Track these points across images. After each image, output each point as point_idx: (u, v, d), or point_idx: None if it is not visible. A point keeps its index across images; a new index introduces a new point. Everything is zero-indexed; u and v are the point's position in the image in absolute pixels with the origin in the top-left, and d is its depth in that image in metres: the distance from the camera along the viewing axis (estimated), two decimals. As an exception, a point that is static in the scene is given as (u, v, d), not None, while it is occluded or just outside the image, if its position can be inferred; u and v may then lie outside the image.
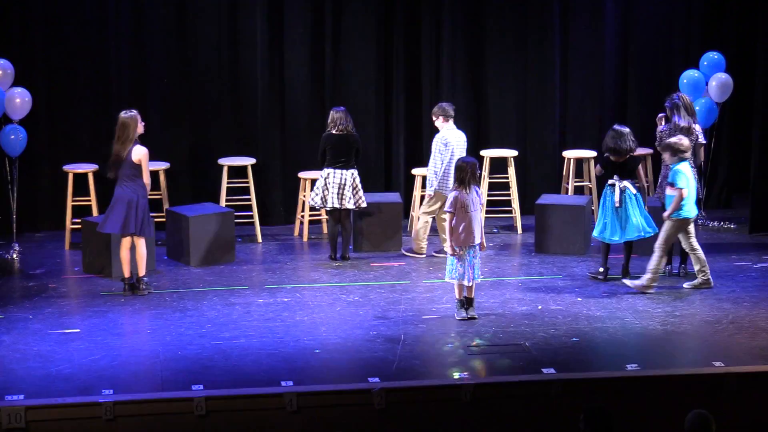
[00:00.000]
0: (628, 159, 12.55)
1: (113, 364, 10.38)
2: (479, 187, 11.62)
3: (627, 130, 12.62)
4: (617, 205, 12.47)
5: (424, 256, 13.64)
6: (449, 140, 13.41)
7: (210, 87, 15.01)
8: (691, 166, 12.55)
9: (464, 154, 13.35)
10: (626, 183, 12.52)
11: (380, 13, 15.19)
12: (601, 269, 12.74)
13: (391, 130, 15.33)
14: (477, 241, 11.40)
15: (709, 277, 12.46)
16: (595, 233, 12.77)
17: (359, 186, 13.43)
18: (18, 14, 14.41)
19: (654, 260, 12.22)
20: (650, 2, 15.67)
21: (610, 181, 12.56)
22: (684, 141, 12.28)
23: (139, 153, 12.15)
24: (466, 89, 15.49)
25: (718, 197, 15.85)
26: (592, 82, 15.69)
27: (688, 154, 12.30)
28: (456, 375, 10.08)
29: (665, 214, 12.23)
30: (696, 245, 12.40)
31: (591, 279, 12.74)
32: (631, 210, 12.51)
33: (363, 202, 13.49)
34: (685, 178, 12.17)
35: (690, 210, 12.25)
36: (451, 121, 13.53)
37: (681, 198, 12.11)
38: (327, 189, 13.33)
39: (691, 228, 12.36)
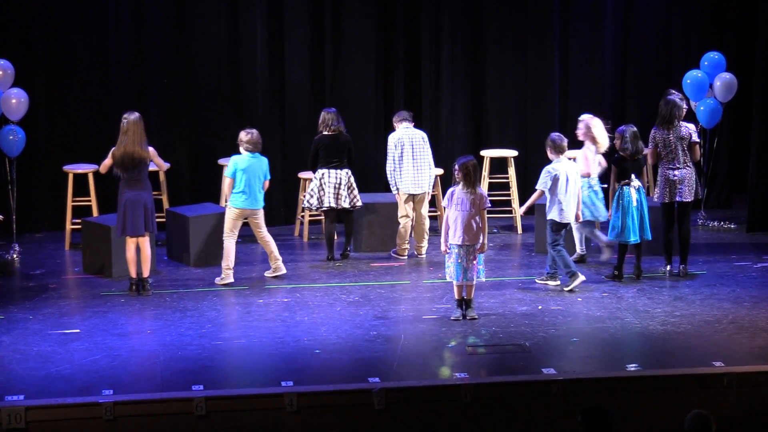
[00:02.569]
0: (639, 159, 12.57)
1: (113, 364, 10.37)
2: (482, 189, 11.53)
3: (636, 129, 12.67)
4: (634, 204, 12.44)
5: (405, 257, 13.63)
6: (400, 138, 13.48)
7: (210, 87, 15.02)
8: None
9: (424, 150, 13.47)
10: (639, 182, 12.52)
11: (380, 14, 15.19)
12: (617, 272, 12.70)
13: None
14: (463, 241, 11.31)
15: (280, 265, 12.84)
16: (611, 237, 12.64)
17: (354, 185, 13.44)
18: (18, 14, 14.41)
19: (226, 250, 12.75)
20: (650, 3, 15.66)
21: (625, 182, 12.50)
22: (248, 135, 12.66)
23: (152, 153, 12.25)
24: (466, 89, 15.48)
25: (718, 197, 15.83)
26: (592, 83, 15.68)
27: (256, 147, 12.67)
28: (457, 371, 10.10)
29: (223, 201, 12.90)
30: (266, 237, 12.78)
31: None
32: (645, 209, 12.51)
33: (358, 201, 13.50)
34: (235, 167, 12.58)
35: (240, 200, 12.60)
36: (405, 123, 13.57)
37: (231, 187, 12.59)
38: (323, 189, 13.33)
39: (260, 220, 12.76)
